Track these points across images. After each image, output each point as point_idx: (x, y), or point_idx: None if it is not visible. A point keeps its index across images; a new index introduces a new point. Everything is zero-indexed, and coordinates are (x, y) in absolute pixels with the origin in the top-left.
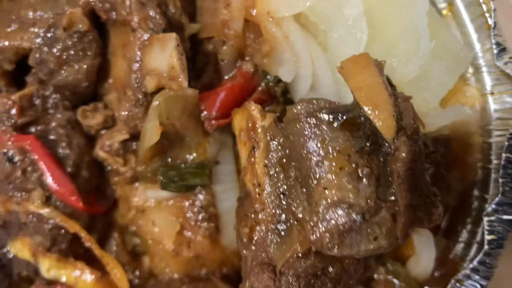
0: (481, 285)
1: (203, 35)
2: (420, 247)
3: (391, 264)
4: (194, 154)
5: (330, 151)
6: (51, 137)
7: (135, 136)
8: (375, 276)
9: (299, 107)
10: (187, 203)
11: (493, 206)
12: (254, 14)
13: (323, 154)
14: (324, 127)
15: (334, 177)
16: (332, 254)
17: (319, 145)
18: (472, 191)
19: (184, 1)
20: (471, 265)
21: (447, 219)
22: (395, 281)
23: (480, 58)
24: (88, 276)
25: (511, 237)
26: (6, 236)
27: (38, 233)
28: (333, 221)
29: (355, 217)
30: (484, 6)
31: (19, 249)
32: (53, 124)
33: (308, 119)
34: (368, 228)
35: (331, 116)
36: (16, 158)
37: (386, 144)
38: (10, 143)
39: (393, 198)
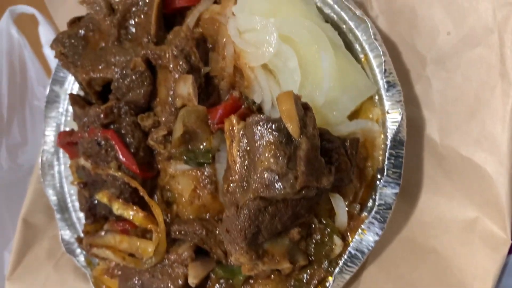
0: (376, 233)
1: (211, 74)
2: (337, 208)
3: (323, 219)
4: (204, 144)
5: (264, 142)
6: (123, 131)
7: (171, 133)
8: (313, 225)
9: (250, 119)
10: (199, 173)
11: (383, 183)
12: (239, 63)
13: (261, 143)
14: (262, 130)
15: (265, 156)
16: (264, 196)
17: (259, 139)
18: (377, 175)
19: (201, 53)
20: (368, 220)
21: (363, 192)
22: (327, 230)
23: (382, 90)
24: (140, 213)
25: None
26: (93, 190)
27: (113, 187)
28: (263, 179)
29: (274, 176)
30: (383, 58)
31: (101, 197)
32: (124, 124)
33: (254, 126)
34: (281, 183)
35: (266, 124)
36: (102, 143)
37: (295, 140)
38: (99, 134)
39: (297, 168)
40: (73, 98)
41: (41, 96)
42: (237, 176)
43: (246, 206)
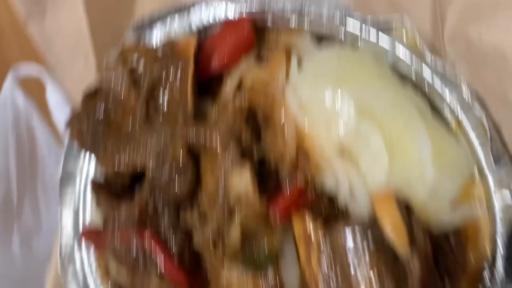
0: None
1: (268, 157)
2: None
3: None
4: (265, 244)
5: (367, 260)
6: (161, 230)
7: (222, 231)
8: None
9: (338, 229)
10: (261, 279)
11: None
12: (304, 146)
13: (359, 262)
14: (358, 242)
15: (368, 280)
16: None
17: (355, 254)
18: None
19: (252, 130)
20: None
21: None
22: None
23: (483, 162)
24: None
25: None
26: None
27: None
28: None
29: None
30: (486, 124)
31: None
32: (162, 222)
33: (346, 236)
34: None
35: (363, 235)
36: (139, 249)
37: (401, 257)
38: (135, 238)
39: None
40: (97, 190)
41: (53, 169)
42: None
43: None
